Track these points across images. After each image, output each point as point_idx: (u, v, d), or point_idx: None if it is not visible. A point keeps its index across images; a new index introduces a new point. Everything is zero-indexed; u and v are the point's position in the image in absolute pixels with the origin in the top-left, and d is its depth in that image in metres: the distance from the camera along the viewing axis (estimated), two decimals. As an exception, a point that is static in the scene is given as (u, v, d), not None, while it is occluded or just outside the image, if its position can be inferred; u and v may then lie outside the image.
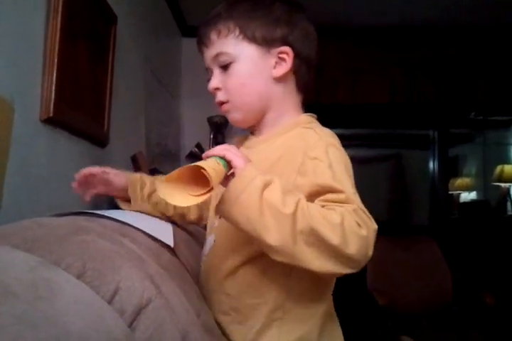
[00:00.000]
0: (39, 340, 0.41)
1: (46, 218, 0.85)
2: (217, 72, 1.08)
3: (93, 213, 0.97)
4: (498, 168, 5.14)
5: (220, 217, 1.05)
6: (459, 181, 5.61)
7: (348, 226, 0.81)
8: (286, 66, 1.06)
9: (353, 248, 0.80)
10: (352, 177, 0.93)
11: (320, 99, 3.68)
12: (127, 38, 2.32)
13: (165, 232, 1.08)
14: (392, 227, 4.32)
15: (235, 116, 1.11)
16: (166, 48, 3.46)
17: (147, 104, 2.77)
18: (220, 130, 3.67)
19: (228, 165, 0.86)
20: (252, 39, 1.05)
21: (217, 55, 1.06)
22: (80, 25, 1.70)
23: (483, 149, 5.48)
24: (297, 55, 1.07)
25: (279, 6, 1.08)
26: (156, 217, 1.26)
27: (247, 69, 1.05)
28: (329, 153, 0.94)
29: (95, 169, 1.27)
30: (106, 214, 0.97)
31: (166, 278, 0.79)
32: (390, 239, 3.34)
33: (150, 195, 1.25)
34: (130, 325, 0.62)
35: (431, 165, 4.45)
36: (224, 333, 0.99)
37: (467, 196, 5.65)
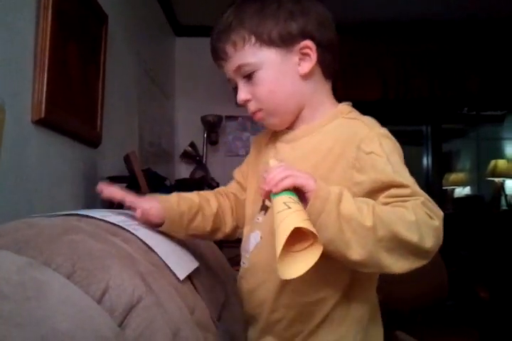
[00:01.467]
0: (26, 340, 0.41)
1: (37, 218, 0.85)
2: (241, 83, 1.04)
3: (121, 227, 0.95)
4: (492, 163, 5.16)
5: (265, 213, 1.05)
6: (453, 176, 5.64)
7: (423, 221, 0.81)
8: (311, 61, 1.01)
9: (430, 241, 0.81)
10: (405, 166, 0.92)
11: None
12: (119, 38, 2.32)
13: (182, 262, 1.02)
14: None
15: (272, 122, 1.07)
16: (159, 48, 3.46)
17: (140, 104, 2.77)
18: (214, 129, 3.68)
19: (296, 190, 0.82)
20: (270, 42, 1.00)
21: (239, 68, 1.02)
22: (71, 25, 1.70)
23: (477, 144, 5.51)
24: (319, 45, 1.02)
25: None
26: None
27: (272, 74, 1.01)
28: (383, 145, 0.92)
29: (118, 195, 1.12)
30: (130, 229, 0.94)
31: (157, 276, 0.80)
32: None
33: (189, 227, 1.11)
34: (120, 324, 0.62)
35: (424, 160, 4.47)
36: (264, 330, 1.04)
37: (461, 191, 5.68)
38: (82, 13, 1.83)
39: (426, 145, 4.46)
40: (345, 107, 1.07)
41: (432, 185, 4.37)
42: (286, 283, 0.97)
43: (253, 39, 1.00)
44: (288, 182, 0.80)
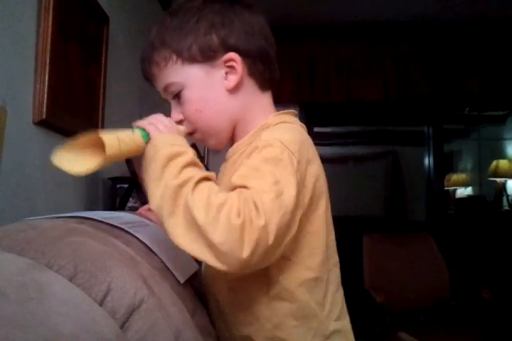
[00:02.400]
0: (28, 341, 0.41)
1: (39, 220, 0.85)
2: (173, 103, 1.01)
3: (123, 229, 0.95)
4: (494, 163, 5.15)
5: None
6: (455, 177, 5.63)
7: (225, 211, 0.73)
8: (237, 73, 0.96)
9: (219, 235, 0.72)
10: (282, 177, 0.81)
11: (314, 98, 3.69)
12: (120, 39, 2.32)
13: (183, 265, 1.03)
14: (389, 224, 4.33)
15: (209, 143, 1.03)
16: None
17: (141, 105, 2.77)
18: (215, 129, 3.67)
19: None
20: (191, 59, 0.96)
21: (166, 88, 1.00)
22: (72, 26, 1.70)
23: (478, 144, 5.50)
24: (246, 56, 0.96)
25: (209, 10, 0.97)
26: None
27: (197, 92, 0.97)
28: (261, 153, 0.85)
29: (144, 209, 1.22)
30: (131, 231, 0.95)
31: (159, 279, 0.80)
32: (387, 235, 3.36)
33: None
34: (122, 326, 0.62)
35: (426, 161, 4.47)
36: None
37: (463, 191, 5.67)
38: (83, 15, 1.83)
39: (427, 145, 4.46)
40: (275, 118, 1.00)
41: (434, 185, 4.36)
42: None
43: (174, 57, 0.97)
44: (140, 123, 0.93)
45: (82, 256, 0.67)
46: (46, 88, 1.47)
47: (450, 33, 3.81)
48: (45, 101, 1.46)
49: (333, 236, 0.98)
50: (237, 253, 0.72)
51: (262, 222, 0.74)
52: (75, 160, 0.86)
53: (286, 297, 0.89)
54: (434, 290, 3.16)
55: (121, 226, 0.94)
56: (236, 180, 0.82)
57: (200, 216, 0.73)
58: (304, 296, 0.90)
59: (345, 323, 0.98)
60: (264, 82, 1.02)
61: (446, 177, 5.23)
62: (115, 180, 2.05)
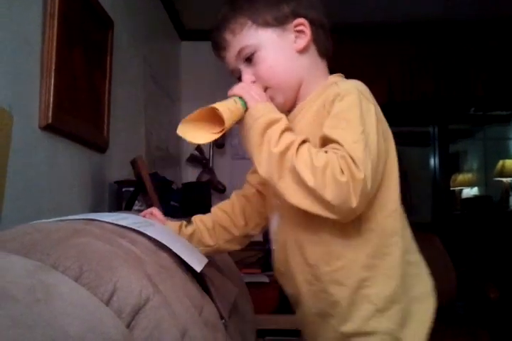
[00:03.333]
0: (36, 341, 0.42)
1: (43, 223, 0.86)
2: (244, 67, 1.11)
3: (133, 229, 0.97)
4: (499, 163, 5.15)
5: None
6: (461, 177, 5.62)
7: (330, 171, 0.86)
8: (305, 36, 1.09)
9: (329, 192, 0.85)
10: (366, 125, 0.93)
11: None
12: (125, 43, 2.34)
13: (195, 255, 1.08)
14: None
15: (278, 101, 1.10)
16: (165, 52, 3.48)
17: (147, 108, 2.79)
18: (220, 132, 3.68)
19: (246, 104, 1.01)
20: (265, 24, 1.08)
21: (240, 51, 1.09)
22: (77, 31, 1.72)
23: (484, 144, 5.49)
24: (312, 23, 1.10)
25: None
26: None
27: (271, 52, 1.08)
28: (342, 101, 0.96)
29: (147, 213, 1.29)
30: (141, 230, 0.97)
31: (164, 277, 0.81)
32: (393, 236, 3.34)
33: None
34: (128, 325, 0.63)
35: (432, 161, 4.46)
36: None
37: (469, 192, 5.66)
38: (88, 19, 1.85)
39: (433, 146, 4.45)
40: (334, 78, 1.13)
41: (440, 186, 4.35)
42: (307, 255, 1.03)
43: (249, 23, 1.08)
44: (236, 90, 1.03)
45: (87, 256, 0.68)
46: (52, 93, 1.48)
47: (454, 33, 3.80)
48: (50, 106, 1.47)
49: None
50: (347, 204, 0.86)
51: (362, 175, 0.86)
52: (195, 131, 0.99)
53: (376, 228, 0.99)
54: (441, 290, 3.15)
55: (130, 226, 0.96)
56: (328, 131, 0.93)
57: (309, 179, 0.86)
58: (390, 226, 1.01)
59: (418, 256, 1.11)
60: (324, 50, 1.15)
61: (452, 177, 5.22)
62: (121, 183, 2.06)
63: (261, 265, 2.71)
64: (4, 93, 1.29)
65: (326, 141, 0.94)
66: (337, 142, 0.90)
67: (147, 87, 2.82)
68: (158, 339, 0.64)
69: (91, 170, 1.88)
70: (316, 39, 1.12)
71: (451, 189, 5.05)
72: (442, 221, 4.12)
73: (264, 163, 0.92)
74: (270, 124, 0.95)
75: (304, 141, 0.92)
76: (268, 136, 0.93)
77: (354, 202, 0.86)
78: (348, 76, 1.16)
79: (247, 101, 1.01)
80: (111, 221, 0.96)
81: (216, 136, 0.97)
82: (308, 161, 0.87)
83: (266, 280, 2.43)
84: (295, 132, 1.02)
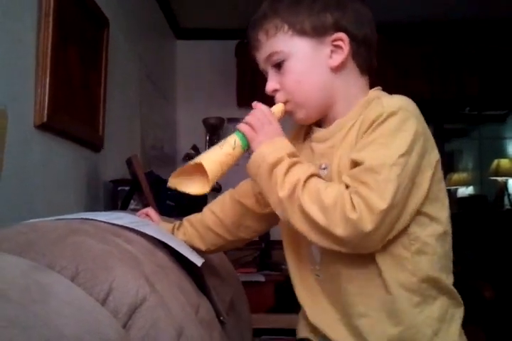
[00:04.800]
0: (31, 342, 0.42)
1: (39, 222, 0.86)
2: (271, 72, 1.04)
3: (129, 228, 0.97)
4: (495, 162, 5.15)
5: None
6: (456, 176, 5.63)
7: (340, 208, 0.82)
8: (342, 53, 1.00)
9: (340, 230, 0.82)
10: (408, 148, 0.86)
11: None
12: (120, 42, 2.33)
13: (193, 252, 1.08)
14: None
15: (298, 116, 1.05)
16: (160, 51, 3.47)
17: (142, 108, 2.78)
18: (216, 132, 3.68)
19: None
20: (302, 32, 1.00)
21: (270, 56, 1.02)
22: (72, 30, 1.71)
23: (479, 144, 5.50)
24: (353, 39, 1.01)
25: None
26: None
27: (302, 64, 1.01)
28: (385, 124, 0.89)
29: (142, 213, 1.28)
30: (137, 228, 0.97)
31: (161, 276, 0.80)
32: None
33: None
34: (125, 325, 0.62)
35: (427, 161, 4.46)
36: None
37: (464, 191, 5.67)
38: (83, 18, 1.84)
39: (428, 145, 4.46)
40: (374, 93, 1.04)
41: (435, 185, 4.35)
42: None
43: (285, 27, 1.00)
44: (243, 129, 0.97)
45: (83, 256, 0.68)
46: (47, 91, 1.48)
47: (450, 33, 3.81)
48: (46, 105, 1.47)
49: None
50: (364, 241, 0.84)
51: (384, 205, 0.81)
52: (186, 183, 0.99)
53: (428, 251, 0.94)
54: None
55: (126, 225, 0.95)
56: (356, 155, 0.88)
57: (319, 218, 0.83)
58: (440, 249, 0.95)
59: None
60: (365, 67, 1.06)
61: (448, 176, 5.23)
62: (116, 182, 2.05)
63: (257, 264, 2.71)
64: (-1, 92, 1.29)
65: (353, 165, 0.89)
66: (364, 166, 0.85)
67: (142, 86, 2.81)
68: (155, 339, 0.63)
69: (86, 169, 1.88)
70: (356, 55, 1.02)
71: (447, 188, 5.05)
72: (438, 220, 4.12)
73: (276, 206, 0.91)
74: (273, 167, 0.90)
75: (311, 175, 0.89)
76: (274, 180, 0.90)
77: (371, 235, 0.82)
78: (372, 79, 1.10)
79: (249, 142, 0.97)
80: (106, 220, 0.96)
81: (207, 189, 0.98)
82: (317, 199, 0.85)
83: (262, 279, 2.43)
84: (337, 153, 0.98)
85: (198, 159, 0.96)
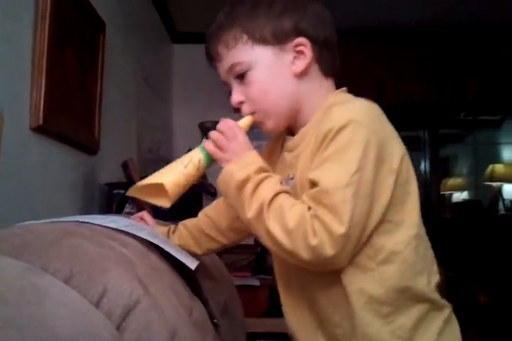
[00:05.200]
0: (27, 343, 0.42)
1: (35, 224, 0.86)
2: (235, 84, 1.01)
3: (124, 231, 0.98)
4: (489, 168, 5.17)
5: None
6: (451, 181, 5.64)
7: (302, 234, 0.81)
8: (305, 59, 0.98)
9: (304, 254, 0.81)
10: (361, 164, 0.83)
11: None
12: (117, 45, 2.33)
13: (188, 255, 1.08)
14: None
15: (267, 126, 1.03)
16: (157, 55, 3.48)
17: (138, 111, 2.78)
18: (212, 135, 3.67)
19: None
20: (263, 40, 0.97)
21: (231, 67, 1.00)
22: (68, 32, 1.71)
23: (474, 149, 5.51)
24: (315, 42, 0.98)
25: None
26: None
27: (265, 74, 0.98)
28: (336, 139, 0.86)
29: (137, 217, 1.29)
30: (131, 231, 0.97)
31: (154, 279, 0.81)
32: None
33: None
34: (119, 327, 0.63)
35: (422, 166, 4.48)
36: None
37: (459, 196, 5.68)
38: (80, 21, 1.84)
39: (423, 150, 4.47)
40: (334, 98, 1.00)
41: (430, 190, 4.37)
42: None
43: (245, 37, 0.98)
44: (208, 148, 0.96)
45: (78, 258, 0.68)
46: (43, 94, 1.48)
47: (446, 37, 3.82)
48: (41, 108, 1.47)
49: None
50: (327, 261, 0.82)
51: (342, 229, 0.80)
52: (147, 192, 1.00)
53: (396, 259, 0.90)
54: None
55: (121, 228, 0.95)
56: (312, 174, 0.86)
57: (284, 242, 0.82)
58: (412, 255, 0.91)
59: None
60: (329, 69, 1.03)
61: (442, 181, 5.24)
62: (112, 185, 2.05)
63: (252, 268, 2.71)
64: (-5, 94, 1.29)
65: (311, 185, 0.86)
66: (320, 187, 0.83)
67: (139, 89, 2.81)
68: (148, 341, 0.64)
69: (82, 172, 1.88)
70: (319, 59, 1.00)
71: (442, 193, 5.06)
72: (432, 225, 4.13)
73: (247, 225, 0.91)
74: (241, 186, 0.89)
75: (277, 194, 0.86)
76: (242, 200, 0.88)
77: (334, 256, 0.80)
78: (337, 79, 1.08)
79: (218, 161, 0.96)
80: (101, 223, 0.96)
81: (168, 205, 0.98)
82: (281, 222, 0.83)
83: (256, 283, 2.43)
84: (298, 163, 0.96)
85: (160, 178, 0.96)
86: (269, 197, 0.85)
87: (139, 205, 1.87)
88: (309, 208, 0.83)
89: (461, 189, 5.67)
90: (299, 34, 0.98)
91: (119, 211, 1.94)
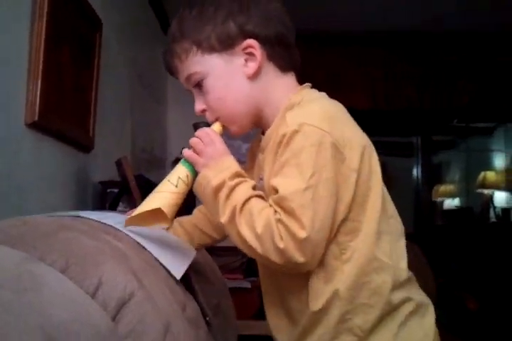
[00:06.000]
0: (25, 329, 0.42)
1: (31, 216, 0.85)
2: (196, 93, 1.04)
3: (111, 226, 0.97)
4: (481, 175, 5.19)
5: None
6: (443, 188, 5.66)
7: (270, 238, 0.83)
8: (256, 60, 0.98)
9: (274, 258, 0.83)
10: (317, 167, 0.84)
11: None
12: (113, 44, 2.33)
13: (177, 259, 1.05)
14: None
15: (232, 130, 1.05)
16: (152, 54, 3.47)
17: (133, 110, 2.77)
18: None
19: None
20: (211, 49, 0.98)
21: (188, 78, 1.02)
22: (65, 30, 1.71)
23: (466, 156, 5.54)
24: (265, 41, 0.98)
25: None
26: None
27: (218, 81, 1.00)
28: (291, 144, 0.87)
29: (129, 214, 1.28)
30: (125, 231, 0.97)
31: (149, 273, 0.81)
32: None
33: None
34: (114, 319, 0.63)
35: (414, 172, 4.50)
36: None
37: (451, 203, 5.70)
38: (77, 20, 1.84)
39: (416, 156, 4.49)
40: (295, 98, 0.99)
41: (422, 196, 4.39)
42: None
43: (194, 49, 0.99)
44: (186, 155, 0.99)
45: (73, 250, 0.68)
46: (39, 90, 1.47)
47: (439, 44, 3.83)
48: (37, 103, 1.46)
49: (385, 188, 1.00)
50: (298, 264, 0.83)
51: (303, 234, 0.81)
52: (144, 219, 1.00)
53: (358, 257, 0.91)
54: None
55: (113, 225, 0.95)
56: (272, 181, 0.88)
57: (256, 246, 0.84)
58: (369, 251, 0.92)
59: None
60: (286, 64, 1.03)
61: (434, 188, 5.26)
62: (105, 184, 2.04)
63: (243, 270, 2.70)
64: (-9, 89, 1.28)
65: (274, 191, 0.88)
66: (279, 193, 0.85)
67: (134, 88, 2.81)
68: (142, 333, 0.64)
69: (75, 170, 1.87)
70: (272, 57, 1.00)
71: (433, 200, 5.08)
72: (424, 231, 4.15)
73: (223, 228, 0.92)
74: (217, 191, 0.90)
75: (248, 198, 0.87)
76: (217, 205, 0.90)
77: (303, 261, 0.82)
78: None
79: (195, 165, 0.99)
80: (97, 219, 0.96)
81: (167, 225, 1.02)
82: (251, 226, 0.85)
83: (248, 285, 2.43)
84: (265, 166, 0.97)
85: (156, 203, 0.98)
86: (240, 202, 0.87)
87: (133, 204, 1.86)
88: (275, 212, 0.85)
89: (452, 196, 5.69)
90: (246, 36, 0.98)
91: (112, 209, 1.93)
